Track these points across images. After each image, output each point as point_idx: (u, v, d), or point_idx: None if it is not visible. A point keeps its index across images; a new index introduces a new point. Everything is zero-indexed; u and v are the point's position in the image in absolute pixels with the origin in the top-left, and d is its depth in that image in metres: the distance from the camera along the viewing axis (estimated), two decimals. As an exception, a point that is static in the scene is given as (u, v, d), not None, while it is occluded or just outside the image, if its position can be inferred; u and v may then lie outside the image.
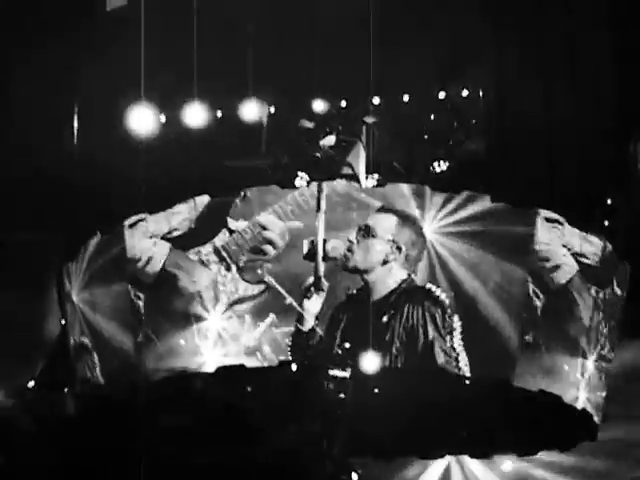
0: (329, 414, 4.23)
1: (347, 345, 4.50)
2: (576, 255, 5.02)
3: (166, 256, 5.04)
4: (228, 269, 5.10)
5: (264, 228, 4.98)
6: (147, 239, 5.04)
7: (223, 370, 4.61)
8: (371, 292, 4.68)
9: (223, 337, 4.96)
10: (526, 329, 4.86)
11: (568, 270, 4.96)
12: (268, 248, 4.96)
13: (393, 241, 4.68)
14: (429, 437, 4.60)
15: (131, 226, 5.04)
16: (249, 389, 4.54)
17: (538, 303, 4.91)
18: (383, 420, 4.31)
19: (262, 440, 4.61)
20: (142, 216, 5.08)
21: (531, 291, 4.92)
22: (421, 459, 5.93)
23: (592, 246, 5.03)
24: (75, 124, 8.69)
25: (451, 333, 4.56)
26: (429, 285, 4.65)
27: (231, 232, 5.06)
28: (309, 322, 4.59)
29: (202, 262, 5.12)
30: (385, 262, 4.68)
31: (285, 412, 4.43)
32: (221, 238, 5.08)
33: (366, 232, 4.69)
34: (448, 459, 6.59)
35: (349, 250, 4.69)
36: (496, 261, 4.97)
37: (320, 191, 4.80)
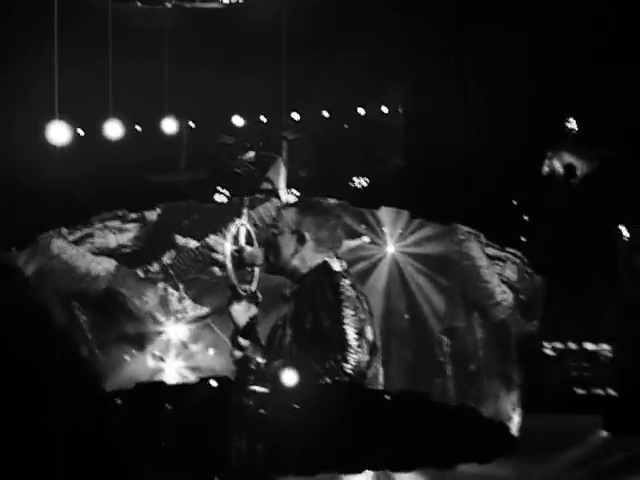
0: (249, 429, 4.20)
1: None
2: (512, 290, 5.13)
3: (112, 275, 4.97)
4: (175, 288, 5.06)
5: (212, 250, 4.96)
6: (91, 255, 4.96)
7: (142, 387, 4.56)
8: (295, 287, 4.65)
9: (173, 353, 4.92)
10: (471, 358, 4.96)
11: (507, 306, 5.06)
12: (215, 270, 4.94)
13: (296, 231, 4.65)
14: (347, 451, 4.60)
15: (76, 242, 4.96)
16: (169, 407, 4.48)
17: (479, 335, 5.01)
18: (300, 434, 4.29)
19: (181, 458, 4.58)
20: (87, 231, 5.00)
21: (475, 323, 5.01)
22: (340, 473, 5.95)
23: (526, 283, 5.14)
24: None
25: (338, 296, 4.47)
26: (326, 259, 4.61)
27: (179, 251, 5.02)
28: (243, 327, 4.52)
29: (150, 280, 5.07)
30: (295, 252, 4.65)
31: (205, 429, 4.39)
32: (169, 256, 5.04)
33: (273, 233, 4.70)
34: (368, 473, 6.60)
35: (265, 254, 4.68)
36: (444, 290, 5.06)
37: (242, 202, 4.79)
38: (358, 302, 4.44)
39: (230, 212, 4.97)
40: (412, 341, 5.25)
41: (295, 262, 4.58)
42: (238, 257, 4.43)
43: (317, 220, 4.63)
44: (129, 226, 5.02)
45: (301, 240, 4.56)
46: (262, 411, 4.12)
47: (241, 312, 4.46)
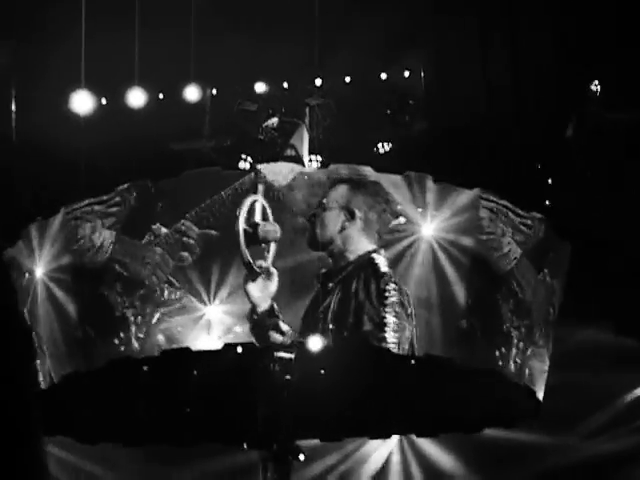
0: (275, 396, 4.23)
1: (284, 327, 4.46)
2: (515, 242, 5.06)
3: (112, 244, 4.97)
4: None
5: (183, 234, 4.95)
6: (92, 227, 4.97)
7: (167, 354, 4.58)
8: (334, 264, 4.62)
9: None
10: (464, 314, 4.88)
11: (513, 256, 4.97)
12: (185, 255, 4.94)
13: (345, 207, 4.62)
14: (374, 417, 4.62)
15: (77, 218, 4.96)
16: (195, 373, 4.50)
17: (478, 289, 4.93)
18: (327, 400, 4.31)
19: (208, 425, 4.61)
20: (86, 209, 5.00)
21: (472, 277, 4.94)
22: (369, 439, 5.98)
23: (524, 236, 5.04)
24: (13, 107, 8.58)
25: (382, 301, 4.45)
26: (373, 255, 4.58)
27: (156, 237, 5.02)
28: (262, 305, 4.53)
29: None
30: (342, 229, 4.62)
31: (230, 395, 4.41)
32: (147, 240, 5.04)
33: (321, 207, 4.67)
34: (396, 438, 6.65)
35: (311, 228, 4.65)
36: (447, 246, 4.98)
37: (257, 175, 4.71)
38: (400, 307, 4.41)
39: (220, 186, 4.91)
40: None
41: (339, 242, 4.55)
42: (252, 233, 4.41)
43: (368, 200, 4.60)
44: (112, 210, 5.01)
45: (351, 215, 4.53)
46: (288, 377, 4.13)
47: (257, 290, 4.45)
